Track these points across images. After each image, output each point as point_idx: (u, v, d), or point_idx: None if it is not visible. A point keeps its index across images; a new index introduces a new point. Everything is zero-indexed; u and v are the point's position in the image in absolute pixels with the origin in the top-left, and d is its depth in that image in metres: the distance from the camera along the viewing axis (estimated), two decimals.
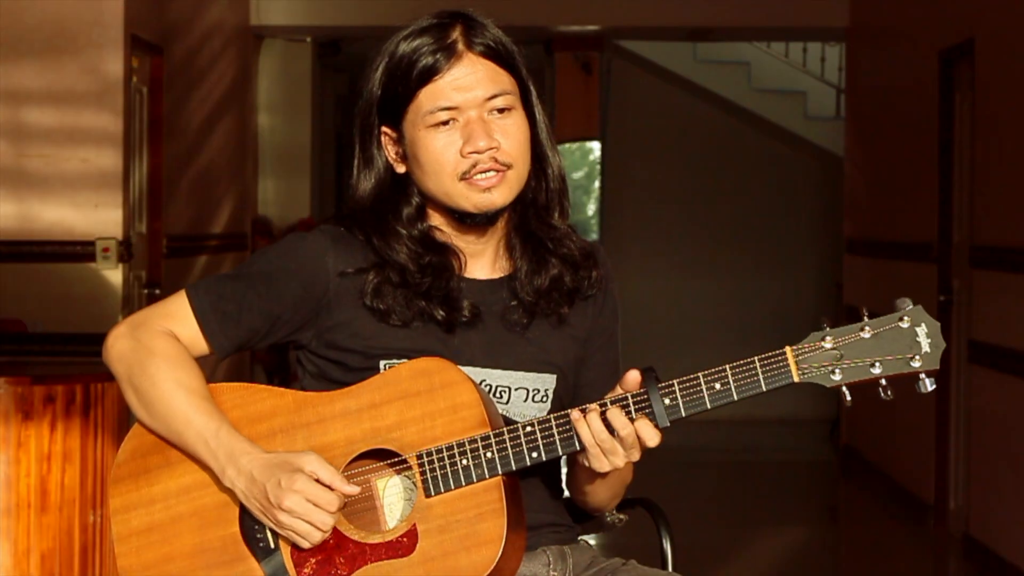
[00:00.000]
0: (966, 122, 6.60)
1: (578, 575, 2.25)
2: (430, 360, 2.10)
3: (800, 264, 10.80)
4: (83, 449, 4.23)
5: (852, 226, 8.80)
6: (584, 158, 11.21)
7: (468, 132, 2.15)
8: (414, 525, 2.05)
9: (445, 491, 2.06)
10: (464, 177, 2.15)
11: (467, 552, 2.02)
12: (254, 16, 8.86)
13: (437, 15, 2.20)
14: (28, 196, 6.22)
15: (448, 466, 2.06)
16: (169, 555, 2.13)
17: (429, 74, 2.15)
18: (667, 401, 2.03)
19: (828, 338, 2.01)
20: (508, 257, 2.26)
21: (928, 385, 2.01)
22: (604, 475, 2.15)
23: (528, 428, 2.06)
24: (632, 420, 2.03)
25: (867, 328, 2.01)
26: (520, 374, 2.21)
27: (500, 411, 2.18)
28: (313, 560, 2.08)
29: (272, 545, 2.10)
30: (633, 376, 2.05)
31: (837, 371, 2.01)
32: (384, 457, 2.10)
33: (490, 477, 2.05)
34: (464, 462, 2.05)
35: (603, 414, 2.04)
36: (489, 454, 2.05)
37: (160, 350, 2.15)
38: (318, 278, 2.19)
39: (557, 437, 2.06)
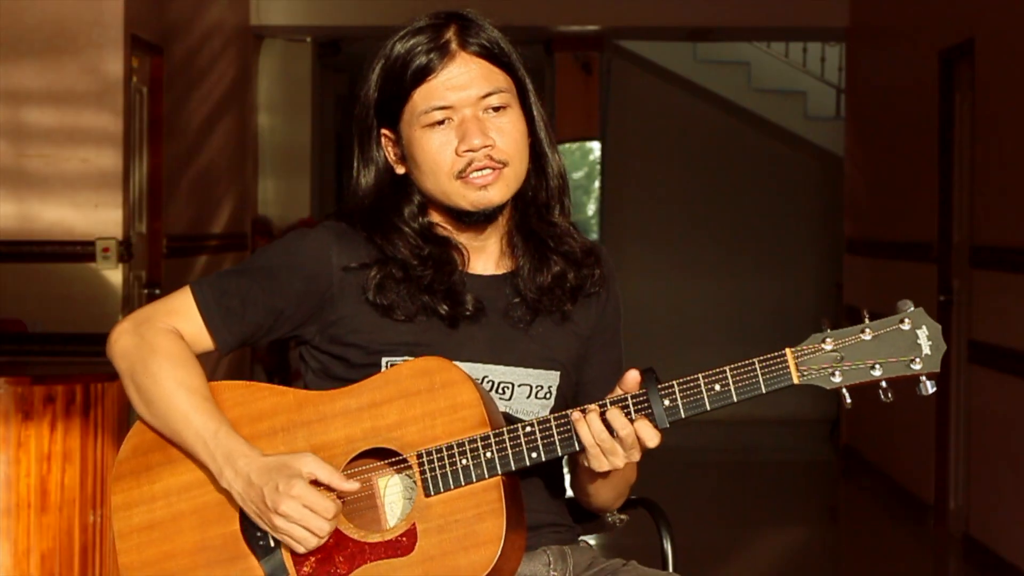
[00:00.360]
0: (966, 122, 6.59)
1: (578, 575, 2.25)
2: (431, 359, 2.10)
3: (800, 264, 10.80)
4: (83, 449, 4.23)
5: (852, 226, 8.80)
6: (584, 158, 11.21)
7: (463, 131, 2.15)
8: (413, 524, 2.06)
9: (444, 491, 2.06)
10: (460, 176, 2.16)
11: (466, 552, 2.03)
12: (254, 16, 8.86)
13: (433, 15, 2.20)
14: (28, 196, 6.22)
15: (448, 466, 2.06)
16: (170, 552, 2.14)
17: (423, 74, 2.16)
18: (667, 402, 2.03)
19: (828, 340, 2.01)
20: (511, 254, 2.26)
21: (929, 388, 2.01)
22: (606, 475, 2.16)
23: (528, 428, 2.06)
24: (632, 421, 2.03)
25: (868, 330, 2.01)
26: (523, 370, 2.21)
27: (503, 407, 2.18)
28: (312, 559, 2.08)
29: (272, 544, 2.10)
30: (633, 376, 2.05)
31: (837, 373, 2.01)
32: (385, 456, 2.10)
33: (489, 477, 2.05)
34: (464, 462, 2.05)
35: (603, 415, 2.04)
36: (489, 454, 2.05)
37: (163, 348, 2.15)
38: (321, 273, 2.19)
39: (557, 437, 2.06)
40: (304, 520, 2.04)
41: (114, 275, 6.27)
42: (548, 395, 2.23)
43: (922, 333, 2.00)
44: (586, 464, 2.08)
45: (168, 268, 7.16)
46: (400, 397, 2.08)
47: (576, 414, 2.05)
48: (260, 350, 8.84)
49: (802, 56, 11.01)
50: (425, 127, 2.17)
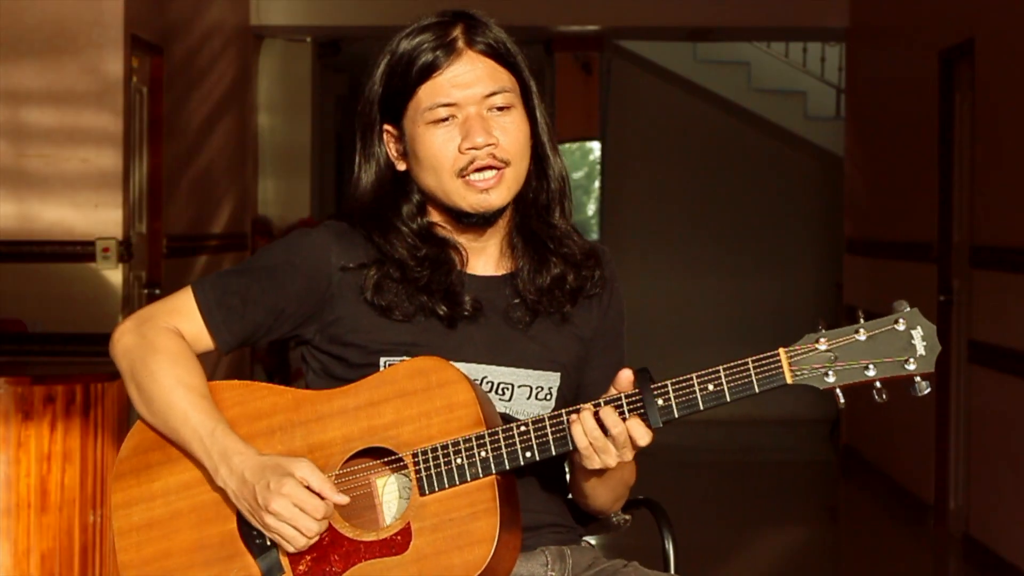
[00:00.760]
0: (966, 122, 6.60)
1: (577, 575, 2.25)
2: (427, 359, 2.10)
3: (800, 264, 10.80)
4: (83, 449, 4.23)
5: (852, 226, 8.80)
6: (584, 158, 11.21)
7: (467, 128, 2.16)
8: (408, 523, 2.06)
9: (439, 490, 2.06)
10: (462, 174, 2.16)
11: (459, 551, 2.03)
12: (254, 16, 8.86)
13: (439, 14, 2.21)
14: (28, 196, 6.22)
15: (443, 465, 2.06)
16: (168, 550, 2.15)
17: (429, 71, 2.16)
18: (660, 402, 2.03)
19: (822, 340, 2.01)
20: (511, 256, 2.26)
21: (923, 388, 2.00)
22: (602, 476, 2.16)
23: (522, 428, 2.06)
24: (624, 419, 2.03)
25: (862, 330, 2.00)
26: (523, 371, 2.21)
27: (502, 408, 2.19)
28: (308, 557, 2.09)
29: (268, 542, 2.11)
30: (627, 376, 2.06)
31: (830, 373, 2.00)
32: (381, 455, 2.11)
33: (484, 476, 2.05)
34: (458, 461, 2.06)
35: (596, 414, 2.04)
36: (483, 453, 2.06)
37: (163, 346, 2.17)
38: (321, 272, 2.20)
39: (551, 436, 2.06)
40: (294, 519, 2.05)
41: (114, 275, 6.27)
42: (548, 396, 2.23)
43: (917, 333, 2.00)
44: (579, 462, 2.08)
45: (168, 268, 7.16)
46: (396, 397, 2.09)
47: (571, 414, 2.05)
48: (260, 350, 8.84)
49: (802, 56, 11.01)
50: (429, 123, 2.17)
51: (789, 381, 2.01)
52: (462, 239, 2.24)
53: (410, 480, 2.09)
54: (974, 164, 6.38)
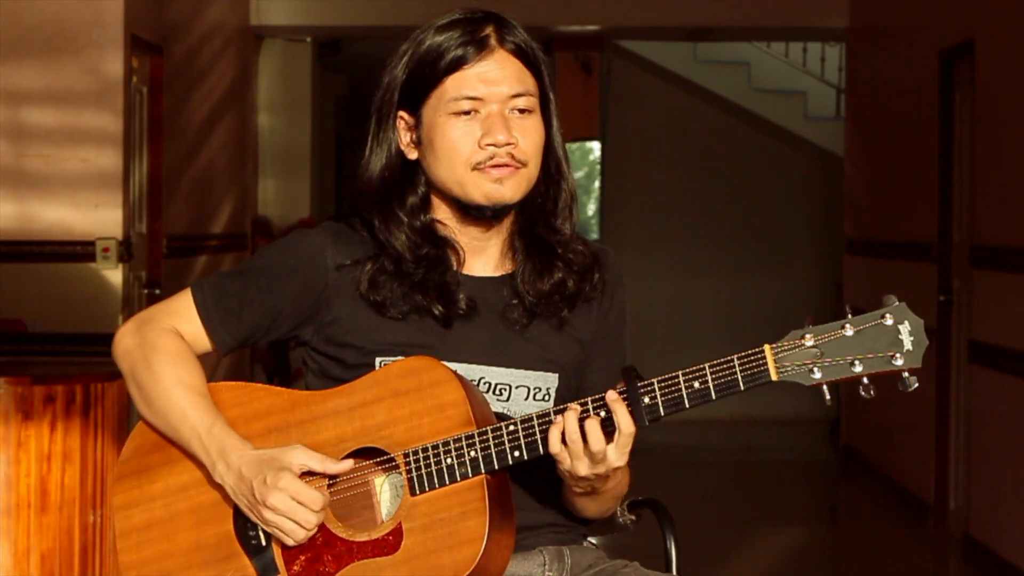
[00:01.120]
0: (966, 122, 6.59)
1: (576, 575, 2.24)
2: (419, 359, 2.11)
3: (800, 264, 10.80)
4: (83, 449, 4.23)
5: (852, 226, 8.80)
6: (584, 158, 11.21)
7: (488, 124, 2.16)
8: (399, 523, 2.07)
9: (430, 490, 2.07)
10: (477, 167, 2.16)
11: (449, 551, 2.04)
12: (254, 16, 8.86)
13: (469, 11, 2.21)
14: (28, 196, 6.22)
15: (433, 465, 2.07)
16: (167, 551, 2.17)
17: (459, 63, 2.17)
18: (647, 400, 2.02)
19: (808, 336, 1.98)
20: (511, 258, 2.26)
21: (911, 384, 1.97)
22: (591, 495, 2.15)
23: (511, 427, 2.07)
24: (606, 432, 2.01)
25: (849, 325, 1.98)
26: (520, 372, 2.21)
27: (500, 409, 2.19)
28: (302, 557, 2.10)
29: (263, 543, 2.12)
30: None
31: (816, 369, 1.98)
32: (375, 455, 2.11)
33: (473, 476, 2.06)
34: (448, 461, 2.06)
35: (582, 424, 2.02)
36: (473, 453, 2.06)
37: (163, 347, 2.19)
38: (317, 273, 2.21)
39: (539, 436, 2.06)
40: (292, 512, 2.06)
41: (114, 275, 6.28)
42: (547, 397, 2.23)
43: (904, 328, 1.97)
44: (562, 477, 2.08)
45: (168, 268, 7.16)
46: (389, 397, 2.10)
47: (558, 413, 2.05)
48: (260, 351, 8.84)
49: (802, 56, 11.01)
50: (451, 114, 2.17)
51: (774, 378, 1.99)
52: (463, 237, 2.24)
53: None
54: (974, 164, 6.38)
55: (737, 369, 1.99)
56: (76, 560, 4.23)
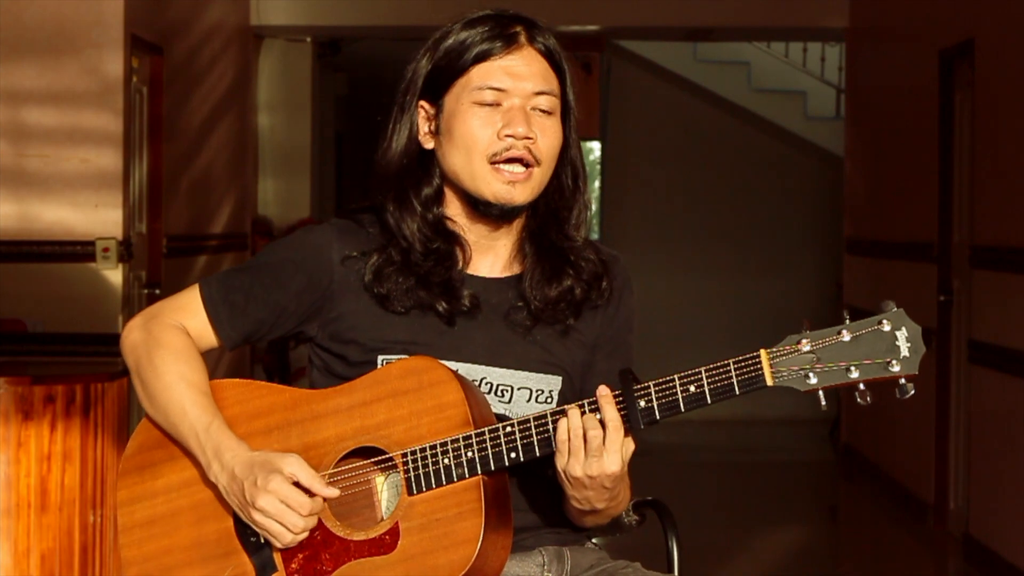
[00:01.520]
0: (966, 122, 6.59)
1: None
2: (419, 359, 2.11)
3: (800, 264, 10.80)
4: (83, 449, 4.23)
5: (852, 226, 8.80)
6: (584, 158, 11.22)
7: (509, 117, 2.17)
8: (396, 523, 2.07)
9: (427, 490, 2.07)
10: (493, 160, 2.17)
11: (445, 551, 2.04)
12: (254, 16, 8.86)
13: (497, 10, 2.23)
14: (28, 196, 6.22)
15: (431, 465, 2.07)
16: (168, 547, 2.17)
17: (487, 54, 2.18)
18: (642, 403, 2.02)
19: (805, 341, 1.97)
20: (520, 260, 2.26)
21: (908, 390, 1.96)
22: (591, 513, 2.14)
23: (508, 428, 2.07)
24: (602, 425, 2.02)
25: (846, 331, 1.97)
26: (523, 374, 2.21)
27: (501, 411, 2.18)
28: (300, 556, 2.10)
29: (262, 540, 2.12)
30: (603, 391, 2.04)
31: (812, 375, 1.97)
32: (375, 455, 2.12)
33: (470, 477, 2.06)
34: (446, 461, 2.06)
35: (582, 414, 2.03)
36: (470, 454, 2.06)
37: (167, 343, 2.20)
38: (322, 268, 2.21)
39: (536, 438, 2.06)
40: (279, 515, 2.06)
41: (114, 275, 6.27)
42: (549, 399, 2.22)
43: (901, 335, 1.96)
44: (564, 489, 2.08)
45: (168, 268, 7.16)
46: (389, 396, 2.10)
47: (556, 415, 2.05)
48: (260, 350, 8.84)
49: (802, 56, 11.01)
50: (473, 103, 2.18)
51: (770, 383, 1.98)
52: (471, 235, 2.24)
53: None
54: (974, 164, 6.38)
55: (733, 374, 1.99)
56: (76, 560, 4.23)
